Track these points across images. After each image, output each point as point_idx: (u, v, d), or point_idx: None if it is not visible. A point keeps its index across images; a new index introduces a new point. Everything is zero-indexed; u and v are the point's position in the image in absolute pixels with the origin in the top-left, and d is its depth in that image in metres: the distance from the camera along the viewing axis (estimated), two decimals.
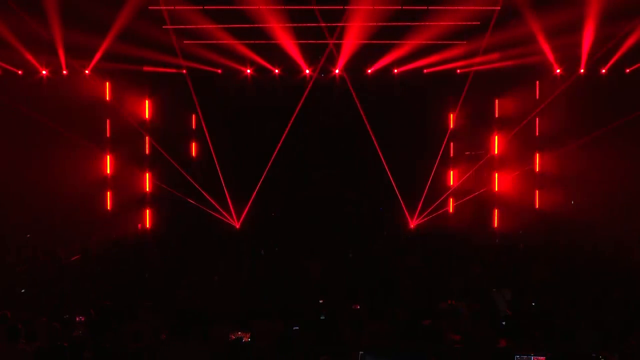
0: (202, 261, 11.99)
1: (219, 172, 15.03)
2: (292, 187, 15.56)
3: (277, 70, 14.72)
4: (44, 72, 14.27)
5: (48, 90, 14.19)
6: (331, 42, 13.79)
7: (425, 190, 15.17)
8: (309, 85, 14.64)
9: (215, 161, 15.03)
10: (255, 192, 15.17)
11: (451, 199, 15.71)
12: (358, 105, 15.07)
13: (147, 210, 15.38)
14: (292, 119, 14.94)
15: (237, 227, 15.21)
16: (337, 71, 14.70)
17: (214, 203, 15.12)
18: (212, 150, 15.08)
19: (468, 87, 14.69)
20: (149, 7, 12.32)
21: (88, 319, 7.87)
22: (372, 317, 7.72)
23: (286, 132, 14.86)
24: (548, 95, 14.64)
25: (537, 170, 15.15)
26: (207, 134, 15.18)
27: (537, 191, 15.11)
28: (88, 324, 7.56)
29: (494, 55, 13.59)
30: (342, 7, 12.33)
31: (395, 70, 14.70)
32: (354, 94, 14.87)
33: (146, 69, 14.24)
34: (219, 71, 14.65)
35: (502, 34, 12.80)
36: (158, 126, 15.26)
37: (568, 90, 14.12)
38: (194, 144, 15.52)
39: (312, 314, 8.11)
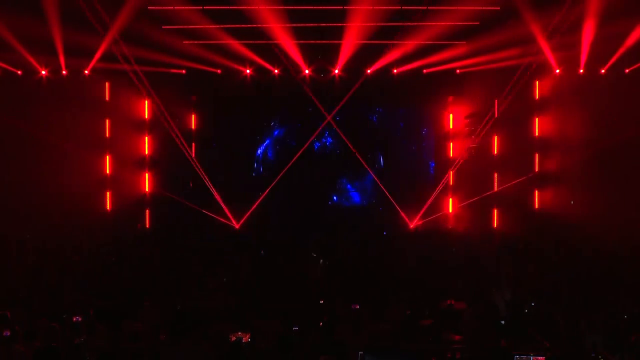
0: (202, 261, 11.97)
1: (219, 172, 15.02)
2: (292, 186, 15.53)
3: (276, 71, 14.69)
4: (43, 72, 14.25)
5: (48, 90, 14.17)
6: (330, 42, 13.76)
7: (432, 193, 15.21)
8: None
9: (216, 162, 15.02)
10: (254, 192, 15.19)
11: (450, 200, 15.68)
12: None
13: (147, 210, 15.35)
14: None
15: (237, 227, 15.19)
16: (336, 71, 14.68)
17: (213, 203, 15.10)
18: (211, 151, 15.09)
19: (468, 87, 14.69)
20: (149, 7, 12.30)
21: (87, 320, 7.86)
22: (371, 317, 7.73)
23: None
24: (547, 95, 14.65)
25: (537, 170, 15.11)
26: (209, 134, 15.20)
27: (536, 191, 15.07)
28: (87, 325, 7.55)
29: (496, 55, 13.53)
30: (341, 7, 12.30)
31: (395, 71, 14.67)
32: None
33: (146, 69, 14.19)
34: (219, 71, 14.62)
35: (502, 33, 12.75)
36: (158, 126, 15.22)
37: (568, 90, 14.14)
38: (194, 144, 15.49)
39: (312, 314, 8.11)
